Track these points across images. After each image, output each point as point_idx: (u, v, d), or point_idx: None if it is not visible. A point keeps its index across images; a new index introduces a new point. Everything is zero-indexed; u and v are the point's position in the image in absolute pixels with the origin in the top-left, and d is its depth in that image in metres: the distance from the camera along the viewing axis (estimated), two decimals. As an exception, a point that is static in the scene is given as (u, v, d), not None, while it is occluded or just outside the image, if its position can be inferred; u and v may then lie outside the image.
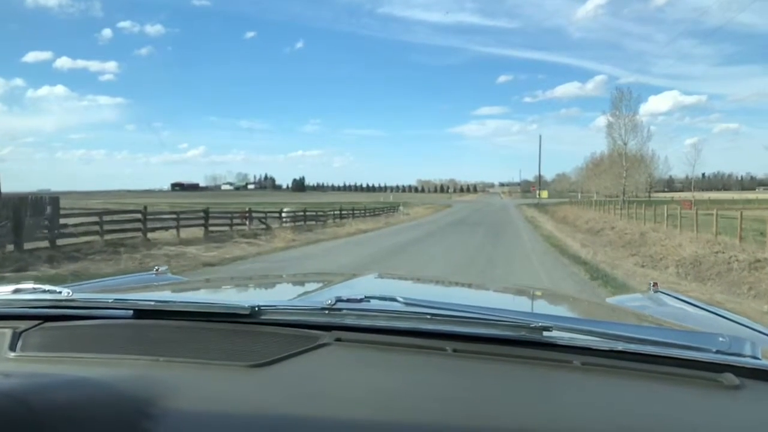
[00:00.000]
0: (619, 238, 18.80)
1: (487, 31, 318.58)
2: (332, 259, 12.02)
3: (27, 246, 10.85)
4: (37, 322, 0.95)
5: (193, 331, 0.89)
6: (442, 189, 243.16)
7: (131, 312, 0.96)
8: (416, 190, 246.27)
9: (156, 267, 1.86)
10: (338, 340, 0.85)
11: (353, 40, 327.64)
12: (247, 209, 20.83)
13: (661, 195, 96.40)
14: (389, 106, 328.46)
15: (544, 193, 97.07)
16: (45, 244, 11.41)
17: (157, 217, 16.86)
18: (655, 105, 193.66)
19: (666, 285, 6.83)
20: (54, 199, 25.18)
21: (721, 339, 0.81)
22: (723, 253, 11.70)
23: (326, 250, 14.63)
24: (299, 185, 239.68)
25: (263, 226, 20.07)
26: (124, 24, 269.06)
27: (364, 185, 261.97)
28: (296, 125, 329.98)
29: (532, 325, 0.82)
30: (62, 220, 13.77)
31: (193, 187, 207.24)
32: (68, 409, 0.62)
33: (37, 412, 0.58)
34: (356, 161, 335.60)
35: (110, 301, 0.98)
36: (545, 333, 0.82)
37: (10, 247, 10.53)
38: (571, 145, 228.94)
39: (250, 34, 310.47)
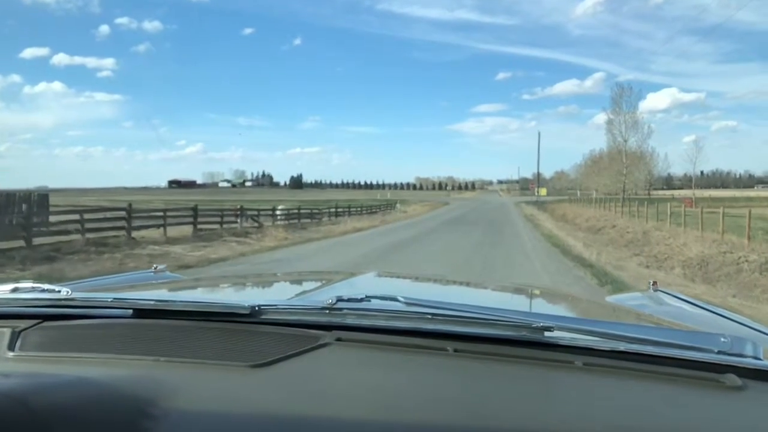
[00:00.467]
0: (620, 237, 18.32)
1: (485, 28, 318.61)
2: (319, 261, 11.32)
3: (0, 245, 10.31)
4: (36, 321, 0.94)
5: (193, 330, 0.88)
6: (440, 187, 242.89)
7: (131, 311, 0.95)
8: (414, 187, 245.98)
9: (154, 265, 1.85)
10: (339, 339, 0.84)
11: (352, 37, 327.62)
12: (238, 207, 20.27)
13: (661, 193, 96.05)
14: (388, 103, 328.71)
15: (543, 191, 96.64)
16: (21, 243, 10.87)
17: (149, 214, 16.36)
18: (653, 102, 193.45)
19: (675, 288, 6.34)
20: (42, 196, 24.66)
21: (722, 339, 0.80)
22: (731, 253, 11.22)
23: (316, 250, 13.95)
24: (297, 182, 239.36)
25: (255, 225, 19.54)
26: (122, 20, 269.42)
27: (363, 183, 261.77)
28: (294, 122, 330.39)
29: (533, 325, 0.81)
30: (52, 218, 13.39)
31: (190, 185, 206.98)
32: (68, 409, 0.62)
33: (37, 412, 0.58)
34: (354, 158, 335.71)
35: (109, 300, 0.98)
36: (547, 333, 0.81)
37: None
38: (569, 143, 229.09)
39: (248, 31, 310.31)
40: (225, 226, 18.26)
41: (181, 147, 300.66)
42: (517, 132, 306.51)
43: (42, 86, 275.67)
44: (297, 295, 1.25)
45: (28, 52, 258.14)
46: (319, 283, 1.49)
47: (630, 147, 49.32)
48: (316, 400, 0.70)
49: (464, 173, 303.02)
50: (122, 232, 13.48)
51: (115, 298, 0.99)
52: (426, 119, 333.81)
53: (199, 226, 16.60)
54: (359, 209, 36.33)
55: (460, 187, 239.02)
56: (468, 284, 2.18)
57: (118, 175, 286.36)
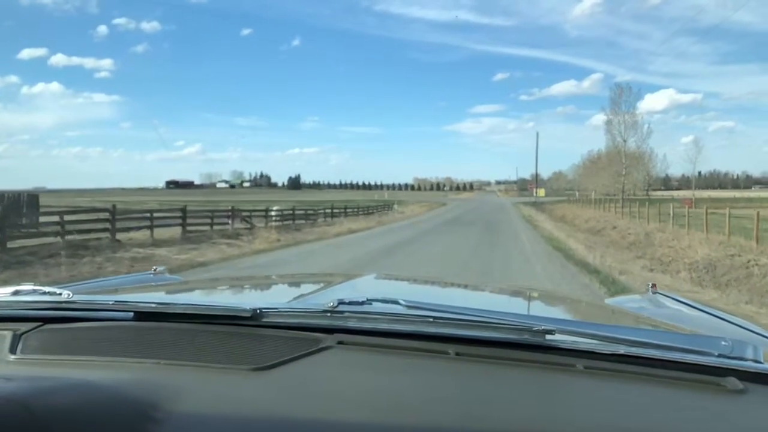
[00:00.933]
0: (622, 239, 17.86)
1: (483, 29, 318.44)
2: (304, 267, 10.68)
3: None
4: (37, 324, 0.94)
5: (194, 333, 0.88)
6: (438, 187, 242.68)
7: (132, 314, 0.95)
8: (412, 188, 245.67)
9: (154, 267, 1.85)
10: (340, 343, 0.84)
11: (350, 38, 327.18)
12: (230, 207, 19.75)
13: (659, 193, 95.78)
14: (386, 103, 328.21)
15: (542, 192, 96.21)
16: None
17: (137, 216, 15.82)
18: (651, 103, 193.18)
19: (685, 294, 5.98)
20: (32, 196, 24.11)
21: (723, 342, 0.80)
22: (739, 256, 10.75)
23: (305, 253, 13.33)
24: (295, 183, 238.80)
25: (248, 226, 19.02)
26: (120, 21, 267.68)
27: (361, 183, 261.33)
28: (293, 123, 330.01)
29: (534, 329, 0.81)
30: (43, 219, 12.89)
31: (188, 185, 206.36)
32: (70, 413, 0.62)
33: (39, 415, 0.58)
34: (353, 159, 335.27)
35: (111, 302, 0.98)
36: (548, 336, 0.81)
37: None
38: (567, 143, 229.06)
39: (246, 31, 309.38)
40: (216, 227, 17.79)
41: (179, 148, 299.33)
42: (515, 133, 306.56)
43: (40, 87, 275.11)
44: (298, 297, 1.25)
45: (26, 53, 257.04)
46: (319, 286, 1.46)
47: (629, 147, 48.94)
48: (317, 403, 0.70)
49: (462, 174, 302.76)
50: (106, 234, 12.96)
51: (116, 301, 0.99)
52: (424, 120, 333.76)
53: (188, 228, 16.11)
54: (356, 210, 35.81)
55: (458, 188, 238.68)
56: (469, 287, 2.16)
57: (116, 176, 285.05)
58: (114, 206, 13.72)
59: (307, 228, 22.27)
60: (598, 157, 66.79)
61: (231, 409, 0.67)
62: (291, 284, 1.83)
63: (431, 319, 0.85)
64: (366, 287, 1.48)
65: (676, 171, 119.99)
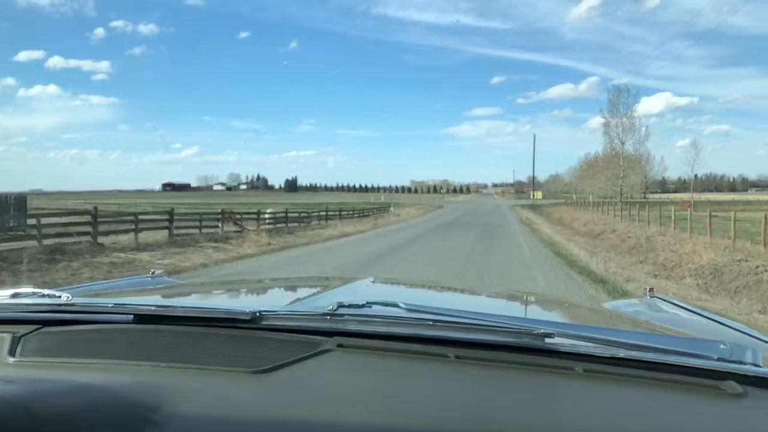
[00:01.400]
0: (622, 242, 17.40)
1: (481, 32, 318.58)
2: (288, 273, 9.96)
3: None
4: (36, 326, 0.93)
5: (194, 336, 0.88)
6: (435, 190, 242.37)
7: (131, 317, 0.95)
8: (409, 190, 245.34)
9: (152, 270, 1.84)
10: (340, 346, 0.84)
11: (347, 40, 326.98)
12: (219, 210, 19.21)
13: (656, 196, 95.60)
14: (383, 106, 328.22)
15: (539, 194, 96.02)
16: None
17: (122, 218, 15.27)
18: (647, 106, 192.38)
19: (694, 302, 5.56)
20: (20, 199, 23.39)
21: (722, 346, 0.80)
22: (747, 261, 10.28)
23: (289, 259, 12.64)
24: (292, 185, 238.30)
25: (238, 229, 18.49)
26: (117, 23, 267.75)
27: (358, 186, 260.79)
28: (290, 125, 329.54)
29: (534, 332, 0.81)
30: (31, 221, 12.41)
31: (185, 187, 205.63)
32: (69, 415, 0.62)
33: (38, 417, 0.58)
34: (350, 161, 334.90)
35: (110, 305, 0.97)
36: (547, 340, 0.81)
37: None
38: (564, 146, 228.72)
39: (244, 34, 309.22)
40: (206, 230, 17.26)
41: (176, 150, 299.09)
42: (512, 135, 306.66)
43: (37, 89, 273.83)
44: (297, 300, 1.25)
45: (23, 55, 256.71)
46: (318, 289, 1.45)
47: (627, 150, 48.60)
48: (317, 406, 0.70)
49: (459, 176, 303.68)
50: (87, 238, 12.42)
51: (115, 304, 0.98)
52: (421, 122, 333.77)
53: (175, 231, 15.58)
54: (351, 212, 35.27)
55: (455, 190, 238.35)
56: (468, 290, 2.15)
57: (113, 178, 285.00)
58: (96, 209, 13.16)
59: (300, 231, 21.75)
60: (595, 160, 66.69)
61: (231, 412, 0.67)
62: (290, 287, 1.81)
63: (431, 322, 0.85)
64: (365, 290, 1.48)
65: (672, 174, 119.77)
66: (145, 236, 14.69)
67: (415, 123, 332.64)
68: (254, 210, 22.71)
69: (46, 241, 11.47)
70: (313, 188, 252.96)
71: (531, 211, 47.63)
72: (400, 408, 0.68)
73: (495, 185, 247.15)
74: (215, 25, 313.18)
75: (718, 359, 0.77)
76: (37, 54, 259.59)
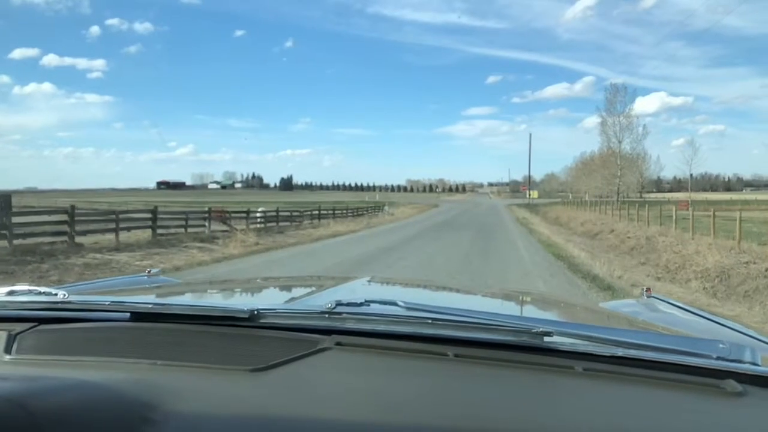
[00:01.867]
0: (621, 243, 16.91)
1: (476, 32, 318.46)
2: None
3: None
4: (32, 324, 0.93)
5: (191, 334, 0.87)
6: (430, 189, 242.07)
7: (128, 315, 0.95)
8: (405, 189, 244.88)
9: (148, 269, 1.84)
10: (339, 344, 0.84)
11: (343, 40, 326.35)
12: (206, 209, 18.61)
13: (652, 195, 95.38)
14: (379, 105, 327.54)
15: (535, 194, 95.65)
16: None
17: (106, 218, 14.62)
18: (642, 106, 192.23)
19: (704, 308, 4.98)
20: (5, 197, 22.79)
21: (721, 345, 0.80)
22: (755, 263, 9.79)
23: (271, 262, 11.92)
24: (287, 184, 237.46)
25: (226, 229, 17.89)
26: (113, 21, 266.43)
27: (353, 184, 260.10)
28: (285, 124, 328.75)
29: (533, 331, 0.81)
30: (15, 219, 11.85)
31: (179, 186, 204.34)
32: (65, 413, 0.62)
33: (35, 415, 0.58)
34: (345, 160, 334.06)
35: (107, 303, 0.97)
36: (546, 338, 0.81)
37: None
38: (559, 146, 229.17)
39: (239, 33, 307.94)
40: (193, 230, 16.66)
41: (171, 148, 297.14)
42: (508, 135, 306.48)
43: (32, 87, 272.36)
44: (295, 299, 1.25)
45: (18, 53, 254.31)
46: (316, 287, 1.44)
47: (624, 149, 48.24)
48: (315, 404, 0.70)
49: (455, 175, 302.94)
50: (63, 238, 11.81)
51: (112, 302, 0.98)
52: (417, 122, 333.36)
53: (159, 231, 14.99)
54: (345, 212, 34.67)
55: (450, 190, 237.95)
56: (467, 289, 2.17)
57: (108, 177, 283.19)
58: (73, 207, 12.54)
59: (292, 230, 21.18)
60: (591, 159, 66.30)
61: (228, 410, 0.67)
62: (288, 286, 1.79)
63: (430, 321, 0.85)
64: (363, 289, 1.47)
65: (667, 173, 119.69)
66: (129, 236, 14.12)
67: (411, 122, 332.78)
68: (249, 209, 22.03)
69: (19, 242, 10.87)
70: (308, 187, 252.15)
71: (527, 210, 47.13)
72: (399, 406, 0.68)
73: (491, 184, 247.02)
74: (210, 23, 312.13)
75: (718, 358, 0.77)
76: (32, 52, 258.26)
